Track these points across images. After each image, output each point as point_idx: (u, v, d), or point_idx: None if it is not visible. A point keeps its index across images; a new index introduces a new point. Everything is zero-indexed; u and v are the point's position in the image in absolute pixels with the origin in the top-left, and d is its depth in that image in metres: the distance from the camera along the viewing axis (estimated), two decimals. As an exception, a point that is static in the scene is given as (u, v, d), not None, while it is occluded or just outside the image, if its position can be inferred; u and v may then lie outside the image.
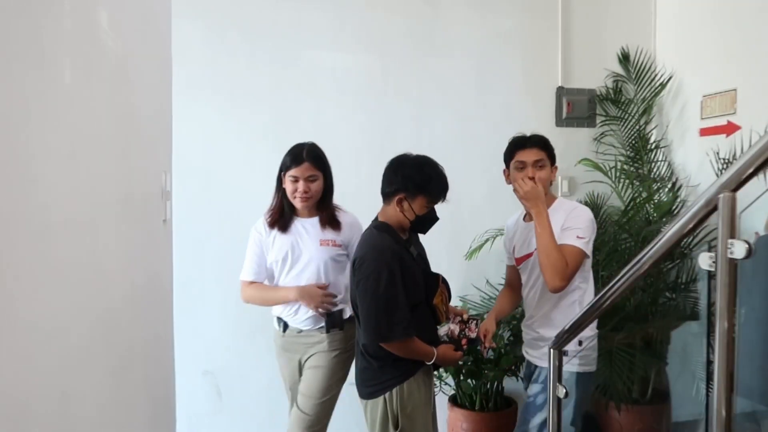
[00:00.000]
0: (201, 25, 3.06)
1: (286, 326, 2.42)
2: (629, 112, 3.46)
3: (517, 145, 2.25)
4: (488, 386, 3.11)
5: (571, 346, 2.02)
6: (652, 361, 3.03)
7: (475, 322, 2.19)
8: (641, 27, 3.59)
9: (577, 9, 3.53)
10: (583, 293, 2.21)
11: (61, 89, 0.80)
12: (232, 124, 3.12)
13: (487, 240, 3.18)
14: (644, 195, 3.30)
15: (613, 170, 3.37)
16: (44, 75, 0.73)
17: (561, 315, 2.15)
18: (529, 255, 2.26)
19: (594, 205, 3.41)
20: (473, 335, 2.17)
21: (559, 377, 1.99)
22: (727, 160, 2.86)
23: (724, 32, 3.11)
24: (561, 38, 3.50)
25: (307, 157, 2.28)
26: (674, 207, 3.22)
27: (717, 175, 2.81)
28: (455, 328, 2.17)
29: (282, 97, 3.14)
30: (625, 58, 3.51)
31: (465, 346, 2.18)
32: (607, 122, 3.53)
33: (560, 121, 3.51)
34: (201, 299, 2.95)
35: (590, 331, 2.11)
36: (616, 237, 3.17)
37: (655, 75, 3.45)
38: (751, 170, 1.46)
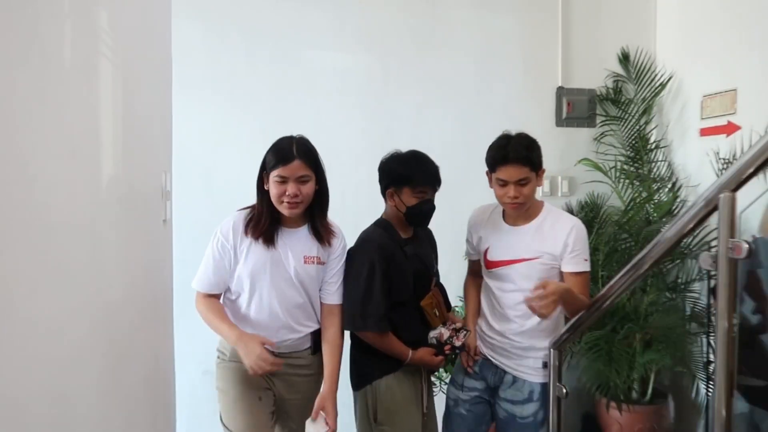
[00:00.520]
0: (201, 25, 3.06)
1: None
2: (629, 112, 3.46)
3: (497, 159, 2.01)
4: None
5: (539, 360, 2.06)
6: (651, 361, 3.03)
7: (464, 333, 2.13)
8: (641, 27, 3.59)
9: (577, 9, 3.54)
10: None
11: (61, 89, 0.80)
12: (232, 123, 3.12)
13: (487, 240, 3.18)
14: (644, 195, 3.30)
15: (613, 170, 3.38)
16: (44, 75, 0.73)
17: (552, 323, 2.06)
18: (512, 262, 2.08)
19: (594, 205, 3.41)
20: (458, 344, 2.11)
21: (559, 377, 1.99)
22: (727, 160, 2.86)
23: (724, 32, 3.11)
24: (561, 38, 3.50)
25: (297, 154, 1.86)
26: (674, 207, 3.22)
27: (717, 175, 2.81)
28: (445, 333, 2.11)
29: (282, 96, 3.14)
30: (625, 58, 3.51)
31: (448, 352, 2.12)
32: (607, 122, 3.53)
33: (560, 121, 3.51)
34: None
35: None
36: (616, 237, 3.17)
37: (655, 75, 3.45)
38: (751, 170, 1.46)
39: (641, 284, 3.07)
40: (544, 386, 2.04)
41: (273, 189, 1.87)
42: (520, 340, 2.07)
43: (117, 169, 1.11)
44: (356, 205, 2.46)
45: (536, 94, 3.48)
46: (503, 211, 2.13)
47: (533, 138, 2.05)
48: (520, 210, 2.04)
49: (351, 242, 2.10)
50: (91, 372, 0.91)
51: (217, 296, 1.95)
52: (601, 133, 3.53)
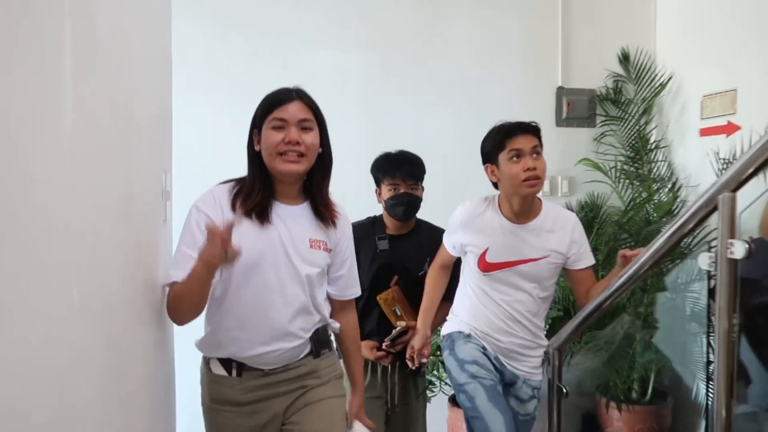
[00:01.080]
0: (201, 25, 3.06)
1: (241, 368, 1.54)
2: (629, 112, 3.46)
3: (509, 132, 1.90)
4: (488, 386, 3.11)
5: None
6: (651, 361, 3.03)
7: (399, 330, 2.12)
8: (641, 27, 3.59)
9: (577, 9, 3.54)
10: None
11: (61, 89, 0.80)
12: (232, 123, 3.11)
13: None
14: (644, 195, 3.30)
15: (613, 170, 3.38)
16: (44, 75, 0.73)
17: (540, 327, 2.07)
18: (516, 263, 1.94)
19: (594, 205, 3.41)
20: (394, 351, 2.13)
21: (559, 377, 1.99)
22: (727, 160, 2.86)
23: (725, 32, 3.11)
24: (561, 38, 3.50)
25: (297, 95, 1.55)
26: (674, 207, 3.22)
27: (717, 175, 2.81)
28: (393, 333, 2.13)
29: (282, 97, 3.14)
30: (625, 58, 3.51)
31: (389, 350, 2.14)
32: (607, 122, 3.53)
33: (560, 121, 3.51)
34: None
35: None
36: (616, 237, 3.17)
37: (655, 75, 3.45)
38: (751, 170, 1.46)
39: (641, 284, 3.07)
40: (540, 382, 2.09)
41: (268, 139, 1.51)
42: (529, 341, 2.02)
43: (117, 169, 1.11)
44: (357, 206, 2.46)
45: (536, 94, 3.48)
46: (501, 206, 2.00)
47: None
48: (538, 188, 1.88)
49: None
50: (90, 372, 0.91)
51: None
52: (601, 133, 3.53)
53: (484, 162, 2.01)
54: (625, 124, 3.47)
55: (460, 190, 2.74)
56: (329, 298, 1.71)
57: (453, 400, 3.16)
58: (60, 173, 0.78)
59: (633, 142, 3.44)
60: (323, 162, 1.60)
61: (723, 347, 1.50)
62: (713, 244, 1.81)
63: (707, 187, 1.54)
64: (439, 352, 2.71)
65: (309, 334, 1.59)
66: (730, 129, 3.04)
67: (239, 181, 1.59)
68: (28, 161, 0.68)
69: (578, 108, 3.51)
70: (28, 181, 0.68)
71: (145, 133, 1.34)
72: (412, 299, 2.21)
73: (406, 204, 2.18)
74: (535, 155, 1.88)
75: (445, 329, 2.12)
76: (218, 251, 1.34)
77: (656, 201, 3.31)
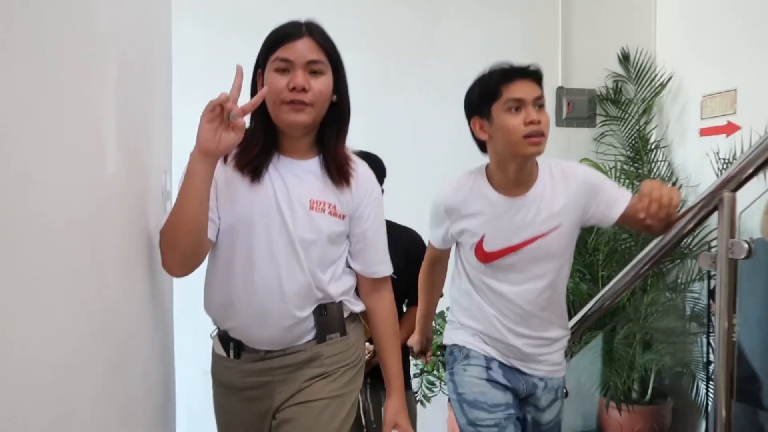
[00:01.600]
0: (201, 25, 3.06)
1: (239, 348, 1.39)
2: (629, 112, 3.47)
3: (506, 76, 1.54)
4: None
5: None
6: (651, 361, 3.03)
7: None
8: (641, 27, 3.59)
9: (577, 9, 3.54)
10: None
11: (61, 89, 0.80)
12: (232, 124, 3.12)
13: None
14: (644, 195, 3.30)
15: (613, 170, 3.38)
16: (44, 75, 0.73)
17: (561, 309, 1.71)
18: (522, 245, 1.58)
19: (594, 205, 3.41)
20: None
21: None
22: (727, 160, 2.86)
23: (724, 32, 3.11)
24: (561, 38, 3.51)
25: (308, 31, 1.36)
26: (674, 207, 3.22)
27: (717, 175, 2.81)
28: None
29: (282, 97, 3.14)
30: (625, 58, 3.51)
31: None
32: (607, 122, 3.53)
33: (560, 121, 3.51)
34: (201, 299, 2.94)
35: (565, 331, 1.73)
36: (616, 237, 3.17)
37: (655, 75, 3.45)
38: (751, 170, 1.47)
39: (641, 284, 3.07)
40: (563, 380, 1.75)
41: (270, 83, 1.30)
42: (549, 337, 1.66)
43: (117, 169, 1.11)
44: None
45: (536, 94, 3.48)
46: (491, 178, 1.61)
47: None
48: (542, 147, 1.51)
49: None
50: (90, 372, 0.91)
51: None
52: (601, 133, 3.53)
53: (471, 115, 1.61)
54: (625, 124, 3.48)
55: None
56: (358, 277, 1.48)
57: (453, 400, 3.15)
58: (60, 173, 0.79)
59: (633, 142, 3.45)
60: (339, 112, 1.36)
61: (723, 347, 1.51)
62: (713, 244, 1.82)
63: (707, 187, 1.55)
64: (440, 352, 2.68)
65: (306, 313, 1.36)
66: (730, 129, 3.04)
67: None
68: (28, 161, 0.68)
69: (578, 108, 3.51)
70: (28, 182, 0.68)
71: (145, 133, 1.34)
72: None
73: None
74: (537, 108, 1.52)
75: (446, 337, 1.78)
76: (215, 128, 1.18)
77: (656, 201, 3.31)
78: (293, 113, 1.28)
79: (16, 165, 0.65)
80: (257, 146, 1.32)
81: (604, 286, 2.11)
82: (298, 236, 1.32)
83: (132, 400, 1.18)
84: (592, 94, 3.53)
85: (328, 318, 1.39)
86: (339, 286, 1.41)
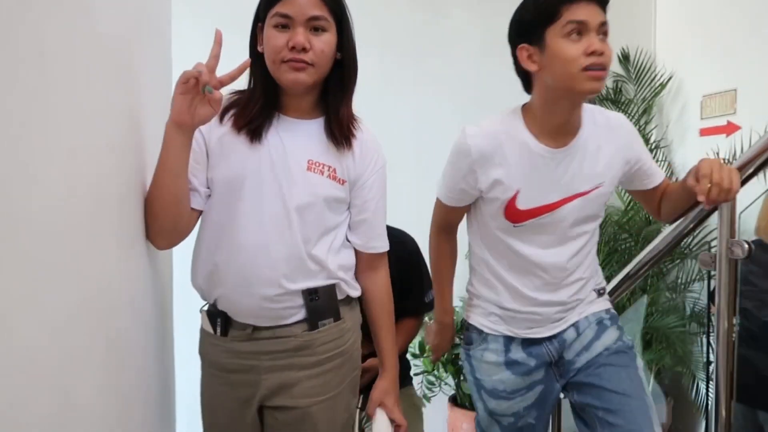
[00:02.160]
0: (201, 25, 3.06)
1: (227, 324, 1.32)
2: (629, 112, 3.46)
3: None
4: (488, 386, 3.11)
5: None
6: (651, 361, 3.03)
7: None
8: (641, 27, 3.59)
9: (577, 9, 3.53)
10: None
11: (62, 89, 0.80)
12: (232, 124, 3.12)
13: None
14: (644, 195, 3.30)
15: (613, 170, 3.38)
16: (44, 75, 0.73)
17: (594, 261, 1.53)
18: (561, 203, 1.38)
19: (594, 205, 3.41)
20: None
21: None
22: (727, 161, 2.86)
23: (724, 32, 3.11)
24: (561, 38, 3.50)
25: None
26: (674, 207, 3.22)
27: (717, 175, 2.81)
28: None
29: (282, 97, 3.14)
30: (625, 58, 3.51)
31: None
32: (607, 122, 3.53)
33: (560, 121, 3.51)
34: (200, 299, 2.94)
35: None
36: (616, 237, 3.17)
37: (655, 75, 3.45)
38: (751, 170, 1.47)
39: (641, 284, 3.07)
40: (609, 311, 1.53)
41: (269, 41, 1.24)
42: (578, 296, 1.48)
43: (117, 169, 1.11)
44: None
45: (536, 94, 3.48)
46: (529, 122, 1.40)
47: None
48: (602, 84, 1.30)
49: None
50: (90, 371, 0.91)
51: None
52: (601, 133, 3.53)
53: (518, 41, 1.37)
54: (625, 124, 3.48)
55: (460, 190, 2.74)
56: (356, 253, 1.40)
57: (453, 400, 3.16)
58: (60, 173, 0.79)
59: (633, 142, 3.45)
60: (343, 71, 1.31)
61: (723, 347, 1.51)
62: (713, 244, 1.82)
63: (707, 187, 1.54)
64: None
65: (295, 286, 1.28)
66: (730, 129, 3.04)
67: (239, 92, 1.33)
68: (29, 161, 0.68)
69: (578, 108, 3.51)
70: (29, 182, 0.68)
71: (145, 132, 1.34)
72: (365, 322, 1.57)
73: None
74: (602, 36, 1.28)
75: (466, 312, 1.59)
76: (190, 99, 1.14)
77: (656, 201, 3.31)
78: (293, 72, 1.23)
79: (16, 164, 0.65)
80: (257, 105, 1.27)
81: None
82: (291, 198, 1.25)
83: (131, 399, 1.18)
84: (592, 94, 3.53)
85: (320, 303, 1.30)
86: (338, 260, 1.33)
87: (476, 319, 1.53)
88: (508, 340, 1.48)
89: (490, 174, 1.38)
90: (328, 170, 1.29)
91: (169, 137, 1.19)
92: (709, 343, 2.46)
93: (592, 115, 1.41)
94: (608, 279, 1.69)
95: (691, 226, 1.57)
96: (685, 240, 2.28)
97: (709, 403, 2.53)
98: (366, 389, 1.63)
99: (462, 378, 3.09)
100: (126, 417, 1.12)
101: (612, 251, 3.09)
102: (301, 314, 1.30)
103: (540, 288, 1.44)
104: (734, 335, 1.53)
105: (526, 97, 1.49)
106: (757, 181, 1.62)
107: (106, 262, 1.01)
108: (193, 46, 3.02)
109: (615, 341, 1.47)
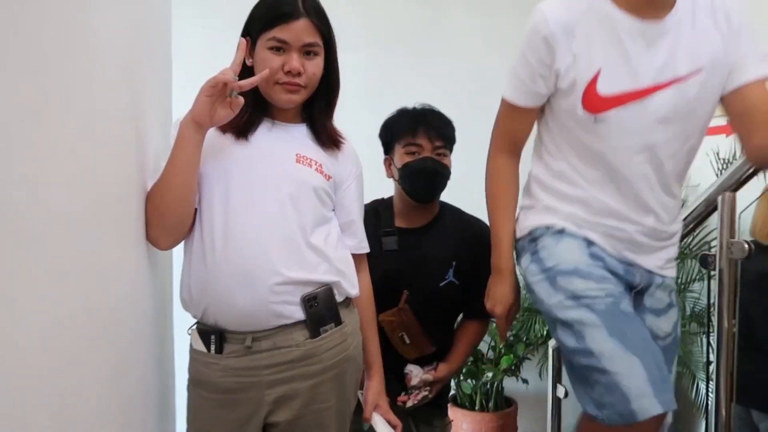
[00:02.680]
0: (201, 24, 3.06)
1: (221, 340, 1.28)
2: (629, 112, 3.46)
3: None
4: (488, 386, 3.11)
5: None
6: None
7: (423, 395, 1.66)
8: (641, 27, 3.59)
9: (577, 9, 3.54)
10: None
11: (61, 89, 0.80)
12: (232, 123, 3.12)
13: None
14: (644, 195, 3.30)
15: (613, 170, 3.37)
16: (44, 75, 0.73)
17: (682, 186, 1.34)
18: (653, 89, 1.18)
19: (594, 205, 3.40)
20: (410, 404, 1.66)
21: (559, 377, 1.98)
22: (727, 160, 2.86)
23: (725, 32, 3.10)
24: (561, 38, 3.51)
25: (306, 10, 1.27)
26: (674, 207, 3.22)
27: (717, 175, 2.80)
28: (414, 379, 1.63)
29: (282, 96, 3.15)
30: (625, 58, 3.51)
31: (400, 402, 1.66)
32: (607, 122, 3.53)
33: (560, 121, 3.51)
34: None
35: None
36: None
37: (656, 75, 3.45)
38: (751, 170, 1.47)
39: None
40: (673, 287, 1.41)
41: (264, 62, 1.27)
42: (666, 224, 1.31)
43: (117, 169, 1.11)
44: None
45: (536, 94, 3.48)
46: None
47: None
48: None
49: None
50: (90, 372, 0.91)
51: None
52: (601, 133, 3.53)
53: None
54: (625, 124, 3.47)
55: (461, 189, 2.74)
56: None
57: (453, 400, 3.15)
58: (60, 173, 0.79)
59: (633, 142, 3.44)
60: (329, 87, 1.37)
61: (723, 347, 1.51)
62: (713, 244, 1.82)
63: (707, 187, 1.54)
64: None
65: (294, 275, 1.26)
66: (730, 129, 3.04)
67: None
68: (29, 161, 0.68)
69: (578, 108, 3.50)
70: (29, 181, 0.68)
71: (145, 132, 1.34)
72: (427, 322, 1.61)
73: (429, 173, 1.57)
74: None
75: (523, 224, 1.35)
76: (212, 101, 1.18)
77: (656, 201, 3.31)
78: (287, 94, 1.30)
79: (16, 164, 0.65)
80: (246, 114, 1.31)
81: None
82: (283, 186, 1.29)
83: (131, 399, 1.18)
84: (592, 94, 3.53)
85: (319, 308, 1.28)
86: (338, 253, 1.36)
87: (545, 219, 1.29)
88: (589, 242, 1.26)
89: (571, 48, 1.18)
90: (316, 164, 1.34)
91: (185, 135, 1.23)
92: (709, 344, 2.46)
93: None
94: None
95: (691, 226, 1.57)
96: (685, 240, 2.28)
97: (709, 403, 2.53)
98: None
99: (461, 378, 3.09)
100: (126, 417, 1.12)
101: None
102: (300, 313, 1.28)
103: (623, 195, 1.25)
104: (734, 335, 1.53)
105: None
106: (757, 180, 1.62)
107: (107, 263, 1.01)
108: (193, 45, 3.03)
109: (673, 329, 1.37)
